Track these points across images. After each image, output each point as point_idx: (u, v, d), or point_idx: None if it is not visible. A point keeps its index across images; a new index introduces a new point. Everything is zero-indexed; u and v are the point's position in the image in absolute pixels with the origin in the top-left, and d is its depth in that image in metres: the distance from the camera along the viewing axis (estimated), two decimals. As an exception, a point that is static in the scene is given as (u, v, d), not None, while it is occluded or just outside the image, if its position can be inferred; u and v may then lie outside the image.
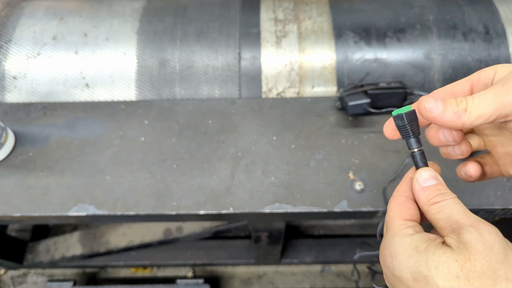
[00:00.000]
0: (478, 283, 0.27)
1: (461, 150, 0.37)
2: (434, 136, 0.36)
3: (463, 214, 0.31)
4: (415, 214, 0.35)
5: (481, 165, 0.39)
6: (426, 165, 0.36)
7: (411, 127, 0.34)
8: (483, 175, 0.39)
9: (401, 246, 0.31)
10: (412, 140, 0.35)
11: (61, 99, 0.74)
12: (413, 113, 0.34)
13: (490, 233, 0.29)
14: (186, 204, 0.60)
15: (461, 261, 0.28)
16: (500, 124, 0.34)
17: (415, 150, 0.35)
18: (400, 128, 0.34)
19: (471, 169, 0.38)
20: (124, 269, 1.20)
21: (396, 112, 0.34)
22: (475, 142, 0.39)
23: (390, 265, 0.32)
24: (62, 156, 0.65)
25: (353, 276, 1.15)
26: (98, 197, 0.61)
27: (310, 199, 0.60)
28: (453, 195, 0.33)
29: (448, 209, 0.32)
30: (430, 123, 0.37)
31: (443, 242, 0.31)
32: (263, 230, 0.86)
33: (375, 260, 1.12)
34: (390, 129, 0.36)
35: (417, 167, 0.36)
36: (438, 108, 0.32)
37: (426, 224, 0.36)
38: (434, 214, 0.33)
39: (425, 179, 0.35)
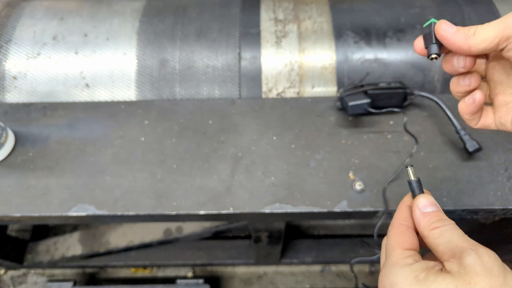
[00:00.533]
0: None
1: (469, 80, 0.38)
2: (449, 61, 0.38)
3: (463, 239, 0.32)
4: (415, 243, 0.36)
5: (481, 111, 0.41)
6: (423, 192, 0.38)
7: (432, 35, 0.36)
8: (479, 118, 0.40)
9: (401, 275, 0.33)
10: (434, 46, 0.37)
11: (61, 99, 0.74)
12: (433, 24, 0.36)
13: (490, 257, 0.30)
14: (186, 204, 0.60)
15: (461, 286, 0.29)
16: (506, 56, 0.36)
17: (410, 171, 0.38)
18: (428, 34, 0.37)
19: (477, 94, 0.39)
20: (124, 269, 1.20)
21: (428, 22, 0.37)
22: (483, 90, 0.40)
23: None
24: (62, 156, 0.65)
25: (353, 274, 1.15)
26: (98, 197, 0.61)
27: (310, 199, 0.60)
28: (452, 222, 0.35)
29: (448, 233, 0.33)
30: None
31: (442, 269, 0.32)
32: (263, 230, 0.86)
33: (375, 260, 1.12)
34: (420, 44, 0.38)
35: (415, 195, 0.38)
36: (452, 29, 0.35)
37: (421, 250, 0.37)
38: (435, 239, 0.34)
39: (425, 206, 0.36)
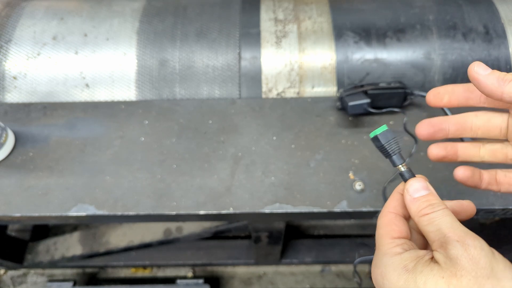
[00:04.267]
0: None
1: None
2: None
3: (450, 228, 0.31)
4: (404, 231, 0.35)
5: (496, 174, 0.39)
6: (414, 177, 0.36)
7: (389, 145, 0.35)
8: (495, 183, 0.39)
9: (390, 265, 0.32)
10: (395, 157, 0.35)
11: (61, 99, 0.74)
12: (388, 132, 0.34)
13: (476, 248, 0.29)
14: (186, 204, 0.60)
15: (448, 278, 0.29)
16: None
17: (400, 166, 0.36)
18: (380, 148, 0.35)
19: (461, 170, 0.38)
20: (124, 269, 1.20)
21: (372, 134, 0.35)
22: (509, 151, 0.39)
23: (381, 284, 0.32)
24: (62, 156, 0.65)
25: (355, 278, 1.15)
26: (98, 197, 0.61)
27: (310, 199, 0.60)
28: (444, 206, 0.33)
29: (437, 221, 0.32)
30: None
31: (432, 258, 0.31)
32: (263, 230, 0.86)
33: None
34: (424, 130, 0.38)
35: (405, 179, 0.36)
36: (486, 71, 0.33)
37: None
38: (424, 226, 0.33)
39: (416, 189, 0.35)
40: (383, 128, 0.34)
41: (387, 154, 0.35)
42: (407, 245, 0.34)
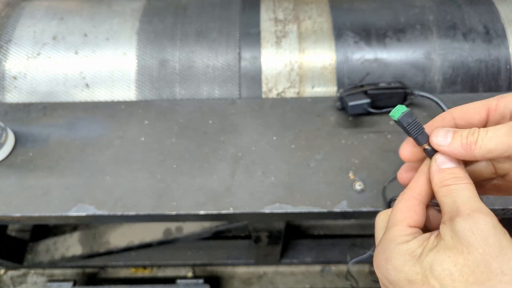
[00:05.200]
0: (472, 278, 0.26)
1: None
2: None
3: (466, 201, 0.29)
4: (421, 221, 0.33)
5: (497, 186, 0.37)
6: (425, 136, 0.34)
7: (414, 125, 0.33)
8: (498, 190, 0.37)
9: (397, 251, 0.31)
10: (420, 137, 0.34)
11: (61, 99, 0.74)
12: (409, 112, 0.33)
13: (487, 224, 0.27)
14: (186, 204, 0.60)
15: (454, 256, 0.27)
16: None
17: (425, 145, 0.34)
18: (404, 129, 0.34)
19: None
20: (124, 269, 1.20)
21: (395, 115, 0.33)
22: (487, 169, 0.36)
23: (385, 269, 0.31)
24: (62, 156, 0.65)
25: (348, 280, 1.15)
26: (98, 197, 0.61)
27: (310, 199, 0.60)
28: (469, 181, 0.31)
29: (455, 193, 0.30)
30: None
31: (438, 235, 0.30)
32: (263, 230, 0.86)
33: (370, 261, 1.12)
34: (407, 150, 0.35)
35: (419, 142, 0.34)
36: (446, 140, 0.32)
37: None
38: (442, 196, 0.31)
39: (443, 161, 0.32)
40: (403, 108, 0.33)
41: (412, 134, 0.34)
42: (417, 235, 0.32)
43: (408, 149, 0.36)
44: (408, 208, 0.33)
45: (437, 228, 0.32)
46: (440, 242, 0.29)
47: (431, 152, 0.34)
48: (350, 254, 1.08)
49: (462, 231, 0.27)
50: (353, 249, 1.08)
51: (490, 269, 0.26)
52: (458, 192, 0.30)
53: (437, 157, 0.33)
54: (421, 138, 0.34)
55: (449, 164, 0.32)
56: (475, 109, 0.34)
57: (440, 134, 0.32)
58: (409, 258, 0.30)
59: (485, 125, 0.33)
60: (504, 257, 0.26)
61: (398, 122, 0.34)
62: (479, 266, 0.26)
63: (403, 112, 0.33)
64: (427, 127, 0.34)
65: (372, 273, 1.17)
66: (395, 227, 0.33)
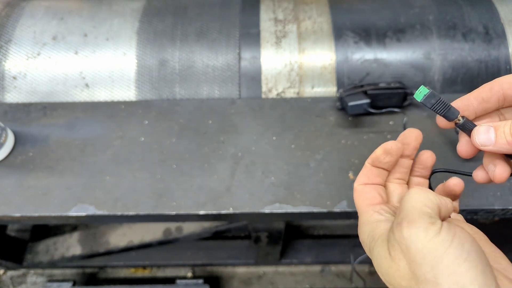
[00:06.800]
0: (404, 283, 0.28)
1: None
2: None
3: (401, 212, 0.30)
4: (378, 196, 0.36)
5: None
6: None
7: (439, 104, 0.33)
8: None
9: (366, 233, 0.34)
10: (449, 112, 0.33)
11: (61, 99, 0.74)
12: (432, 93, 0.33)
13: (408, 232, 0.28)
14: (186, 204, 0.60)
15: (389, 260, 0.30)
16: None
17: (456, 120, 0.34)
18: (433, 107, 0.33)
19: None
20: (124, 269, 1.20)
21: (419, 97, 0.33)
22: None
23: (364, 248, 0.34)
24: (62, 156, 0.65)
25: (353, 282, 1.15)
26: (98, 197, 0.61)
27: (310, 199, 0.60)
28: (413, 188, 0.32)
29: (403, 199, 0.31)
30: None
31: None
32: (263, 230, 0.86)
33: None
34: (463, 148, 0.35)
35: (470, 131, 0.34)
36: (490, 139, 0.31)
37: None
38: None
39: (480, 133, 0.32)
40: (425, 90, 0.33)
41: (440, 113, 0.34)
42: (385, 210, 0.35)
43: (464, 147, 0.36)
44: (358, 194, 0.37)
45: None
46: (389, 241, 0.31)
47: (463, 125, 0.34)
48: (352, 254, 1.08)
49: (391, 240, 0.30)
50: (354, 250, 1.08)
51: (416, 276, 0.28)
52: (405, 200, 0.31)
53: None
54: (450, 115, 0.34)
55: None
56: (487, 91, 0.33)
57: (482, 132, 0.32)
58: (371, 239, 0.32)
59: None
60: (427, 265, 0.27)
61: (422, 103, 0.34)
62: (407, 274, 0.28)
63: (425, 95, 0.33)
64: (472, 96, 0.34)
65: (373, 273, 1.17)
66: (360, 211, 0.36)
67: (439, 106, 0.33)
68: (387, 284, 0.30)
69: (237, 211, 0.60)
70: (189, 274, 1.19)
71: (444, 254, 0.26)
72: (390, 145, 0.36)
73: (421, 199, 0.30)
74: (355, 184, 0.38)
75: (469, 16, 0.75)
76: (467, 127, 0.34)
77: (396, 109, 0.67)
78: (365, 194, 0.37)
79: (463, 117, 0.34)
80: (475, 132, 0.32)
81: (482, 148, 0.32)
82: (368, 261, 1.15)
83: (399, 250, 0.29)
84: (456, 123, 0.34)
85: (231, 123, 0.68)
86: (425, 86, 0.34)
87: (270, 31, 0.76)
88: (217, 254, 1.10)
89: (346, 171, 0.63)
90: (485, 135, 0.31)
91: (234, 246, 1.11)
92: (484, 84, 0.34)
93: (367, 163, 0.38)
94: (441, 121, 0.36)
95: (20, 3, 0.81)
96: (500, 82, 0.33)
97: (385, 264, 0.30)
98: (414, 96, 0.34)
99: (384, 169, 0.38)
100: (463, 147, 0.36)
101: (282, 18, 0.77)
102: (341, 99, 0.67)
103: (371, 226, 0.33)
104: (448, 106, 0.33)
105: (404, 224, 0.29)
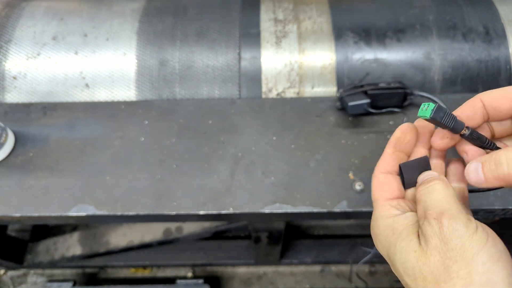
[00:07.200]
0: (430, 277, 0.28)
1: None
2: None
3: (433, 204, 0.30)
4: (397, 190, 0.35)
5: None
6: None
7: (447, 118, 0.33)
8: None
9: (382, 227, 0.33)
10: (455, 125, 0.33)
11: (61, 99, 0.74)
12: (439, 108, 0.33)
13: (449, 228, 0.28)
14: (186, 204, 0.60)
15: (418, 254, 0.29)
16: None
17: (462, 132, 0.33)
18: (443, 120, 0.33)
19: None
20: (124, 269, 1.20)
21: (427, 113, 0.32)
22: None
23: (376, 244, 0.34)
24: (62, 156, 0.65)
25: (352, 282, 1.15)
26: (98, 197, 0.61)
27: (310, 199, 0.60)
28: (437, 179, 0.32)
29: (425, 197, 0.32)
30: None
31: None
32: (263, 230, 0.86)
33: (374, 260, 1.12)
34: (438, 138, 0.35)
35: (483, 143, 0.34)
36: (480, 178, 0.31)
37: None
38: (418, 197, 0.33)
39: (422, 178, 0.34)
40: (430, 105, 0.32)
41: (449, 126, 0.33)
42: (402, 206, 0.34)
43: (438, 140, 0.35)
44: (378, 183, 0.36)
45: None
46: (414, 236, 0.30)
47: (470, 136, 0.33)
48: (353, 255, 1.08)
49: (427, 234, 0.29)
50: (354, 250, 1.08)
51: (448, 272, 0.27)
52: (427, 195, 0.31)
53: (419, 179, 0.35)
54: (457, 127, 0.33)
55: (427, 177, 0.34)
56: (505, 97, 0.33)
57: (471, 172, 0.31)
58: (390, 233, 0.32)
59: None
60: (463, 262, 0.27)
61: (431, 119, 0.33)
62: (438, 268, 0.27)
63: (432, 110, 0.32)
64: (457, 114, 0.34)
65: (373, 273, 1.17)
66: (376, 203, 0.35)
67: (447, 118, 0.33)
68: (409, 282, 0.29)
69: (237, 211, 0.60)
70: (189, 274, 1.19)
71: (480, 252, 0.27)
72: (405, 125, 0.36)
73: (452, 192, 0.30)
74: (376, 172, 0.36)
75: (469, 16, 0.75)
76: (474, 136, 0.33)
77: (396, 109, 0.67)
78: (385, 186, 0.35)
79: (468, 127, 0.34)
80: (466, 172, 0.32)
81: (477, 185, 0.32)
82: (369, 261, 1.15)
83: (433, 245, 0.28)
84: (461, 135, 0.34)
85: (231, 123, 0.68)
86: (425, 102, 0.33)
87: (270, 31, 0.76)
88: (217, 254, 1.10)
89: (346, 171, 0.63)
90: (474, 174, 0.31)
91: (234, 246, 1.11)
92: (467, 101, 0.34)
93: (388, 151, 0.37)
94: (438, 141, 0.35)
95: (20, 3, 0.81)
96: (481, 99, 0.34)
97: (412, 258, 0.29)
98: (419, 115, 0.33)
99: (404, 154, 0.37)
100: (437, 139, 0.36)
101: (282, 18, 0.77)
102: (341, 99, 0.67)
103: (388, 221, 0.33)
104: (454, 117, 0.33)
105: (444, 219, 0.28)
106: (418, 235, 0.30)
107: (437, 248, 0.28)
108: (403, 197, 0.36)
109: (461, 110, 0.34)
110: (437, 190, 0.31)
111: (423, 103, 0.33)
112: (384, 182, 0.36)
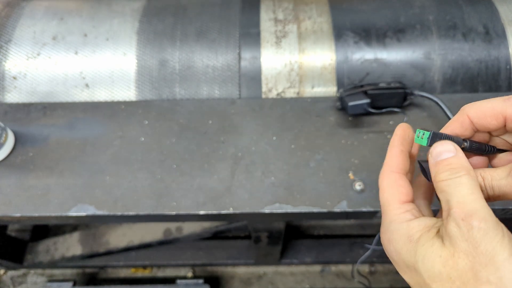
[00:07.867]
0: (458, 282, 0.26)
1: None
2: None
3: (461, 201, 0.28)
4: (411, 193, 0.33)
5: None
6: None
7: (445, 135, 0.33)
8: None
9: (397, 233, 0.31)
10: (455, 137, 0.33)
11: (61, 99, 0.74)
12: (435, 134, 0.32)
13: (480, 231, 0.26)
14: (186, 204, 0.60)
15: (445, 257, 0.27)
16: None
17: (464, 143, 0.33)
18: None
19: None
20: (124, 269, 1.20)
21: (424, 142, 0.32)
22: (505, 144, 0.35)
23: (388, 250, 0.32)
24: (62, 156, 0.65)
25: (355, 278, 1.15)
26: (98, 197, 0.61)
27: (310, 199, 0.60)
28: (465, 172, 0.29)
29: (450, 190, 0.29)
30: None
31: (438, 232, 0.29)
32: (263, 230, 0.86)
33: (374, 260, 1.12)
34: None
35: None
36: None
37: None
38: (438, 193, 0.30)
39: (439, 153, 0.31)
40: (426, 133, 0.32)
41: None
42: (416, 210, 0.32)
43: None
44: (391, 184, 0.33)
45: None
46: (437, 239, 0.29)
47: (470, 148, 0.33)
48: (352, 254, 1.08)
49: (454, 236, 0.27)
50: (354, 249, 1.08)
51: (477, 277, 0.26)
52: (455, 188, 0.29)
53: (432, 150, 0.32)
54: (456, 143, 0.33)
55: (446, 155, 0.31)
56: (492, 115, 0.32)
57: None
58: (407, 241, 0.30)
59: (503, 127, 0.32)
60: (493, 266, 0.26)
61: (429, 146, 0.33)
62: (467, 273, 0.26)
63: (428, 138, 0.32)
64: (448, 131, 0.33)
65: (372, 273, 1.17)
66: (389, 206, 0.32)
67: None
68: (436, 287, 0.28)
69: (237, 211, 0.60)
70: (189, 274, 1.19)
71: (510, 257, 0.25)
72: (403, 124, 0.35)
73: (479, 189, 0.29)
74: (387, 171, 0.33)
75: (469, 16, 0.75)
76: (474, 147, 0.33)
77: (396, 109, 0.67)
78: (398, 188, 0.32)
79: (466, 140, 0.33)
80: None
81: None
82: (369, 261, 1.15)
83: (461, 248, 0.26)
84: (462, 148, 0.33)
85: (231, 123, 0.68)
86: (418, 128, 0.33)
87: (270, 31, 0.76)
88: (217, 254, 1.10)
89: (346, 171, 0.63)
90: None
91: (234, 246, 1.11)
92: (453, 118, 0.34)
93: (397, 149, 0.34)
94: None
95: (20, 3, 0.81)
96: (468, 116, 0.33)
97: (438, 263, 0.27)
98: (416, 142, 0.33)
99: (407, 152, 0.35)
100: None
101: (282, 18, 0.77)
102: (341, 99, 0.67)
103: (403, 226, 0.30)
104: (451, 136, 0.33)
105: (474, 222, 0.26)
106: (438, 235, 0.29)
107: (466, 251, 0.26)
108: (413, 201, 0.34)
109: (450, 128, 0.34)
110: (464, 184, 0.29)
111: (417, 130, 0.32)
112: (397, 183, 0.33)
